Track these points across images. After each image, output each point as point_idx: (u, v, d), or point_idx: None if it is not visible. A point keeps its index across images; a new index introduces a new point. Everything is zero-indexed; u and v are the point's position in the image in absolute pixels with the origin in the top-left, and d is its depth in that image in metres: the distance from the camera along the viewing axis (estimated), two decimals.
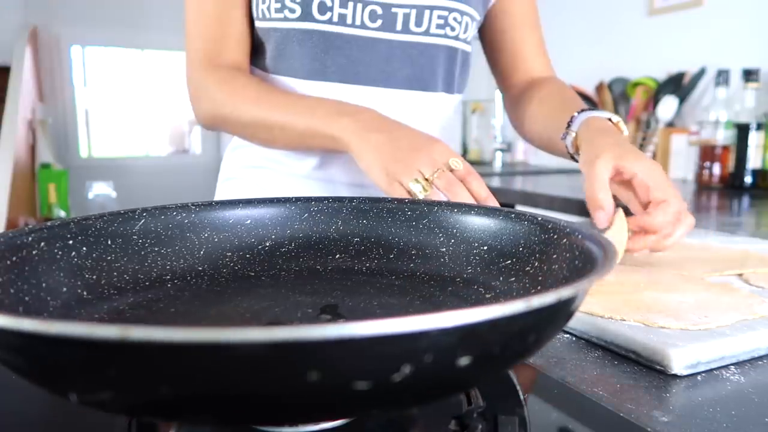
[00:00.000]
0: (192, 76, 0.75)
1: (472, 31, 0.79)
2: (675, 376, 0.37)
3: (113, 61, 4.43)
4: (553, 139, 0.72)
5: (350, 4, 0.71)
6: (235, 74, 0.73)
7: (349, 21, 0.72)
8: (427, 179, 0.57)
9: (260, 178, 0.82)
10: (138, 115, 4.61)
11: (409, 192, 0.57)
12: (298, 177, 0.80)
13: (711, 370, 0.38)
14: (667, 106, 1.73)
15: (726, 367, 0.38)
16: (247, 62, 0.77)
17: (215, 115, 0.74)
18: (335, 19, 0.71)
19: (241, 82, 0.72)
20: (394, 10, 0.73)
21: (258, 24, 0.74)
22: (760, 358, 0.40)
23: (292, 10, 0.71)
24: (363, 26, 0.72)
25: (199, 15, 0.74)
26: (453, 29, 0.75)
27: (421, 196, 0.56)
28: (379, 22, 0.73)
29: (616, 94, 1.93)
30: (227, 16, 0.73)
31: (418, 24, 0.74)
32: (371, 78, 0.74)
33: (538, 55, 0.85)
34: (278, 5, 0.71)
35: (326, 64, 0.73)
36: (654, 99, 1.79)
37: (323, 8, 0.70)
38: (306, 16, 0.71)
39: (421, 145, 0.60)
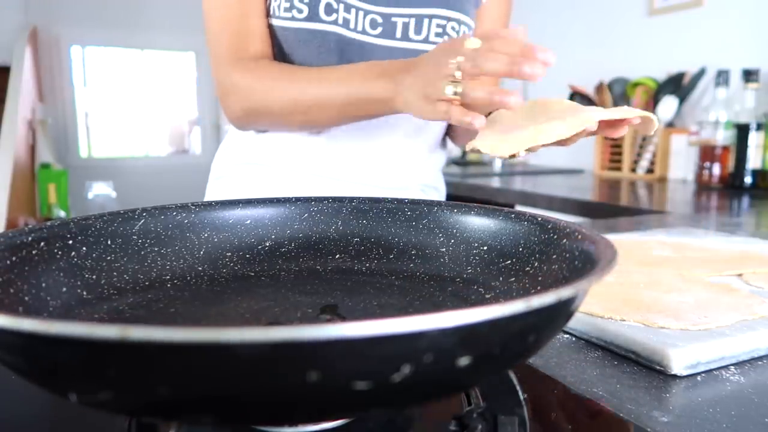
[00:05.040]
0: (219, 73, 0.74)
1: None
2: (675, 376, 0.37)
3: (113, 61, 4.43)
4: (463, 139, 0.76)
5: (353, 10, 0.72)
6: (261, 63, 0.73)
7: (351, 26, 0.73)
8: (455, 78, 0.54)
9: (252, 174, 0.82)
10: (138, 115, 4.61)
11: (449, 100, 0.54)
12: (293, 173, 0.80)
13: (711, 370, 0.38)
14: (667, 106, 1.73)
15: (726, 367, 0.38)
16: (271, 53, 0.76)
17: (247, 107, 0.73)
18: (340, 21, 0.72)
19: (268, 69, 0.72)
20: (393, 19, 0.74)
21: (269, 21, 0.74)
22: (760, 358, 0.40)
23: (300, 11, 0.72)
24: (364, 32, 0.74)
25: (220, 10, 0.73)
26: (451, 38, 0.76)
27: (459, 90, 0.53)
28: (379, 29, 0.74)
29: (616, 94, 1.93)
30: (249, 10, 0.73)
31: (418, 32, 0.75)
32: None
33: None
34: (287, 5, 0.72)
35: (329, 64, 0.73)
36: (654, 99, 1.79)
37: (329, 9, 0.72)
38: (313, 16, 0.72)
39: (437, 57, 0.57)
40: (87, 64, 4.27)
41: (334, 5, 0.72)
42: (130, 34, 4.24)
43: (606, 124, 0.53)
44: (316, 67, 0.71)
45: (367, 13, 0.73)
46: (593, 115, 0.49)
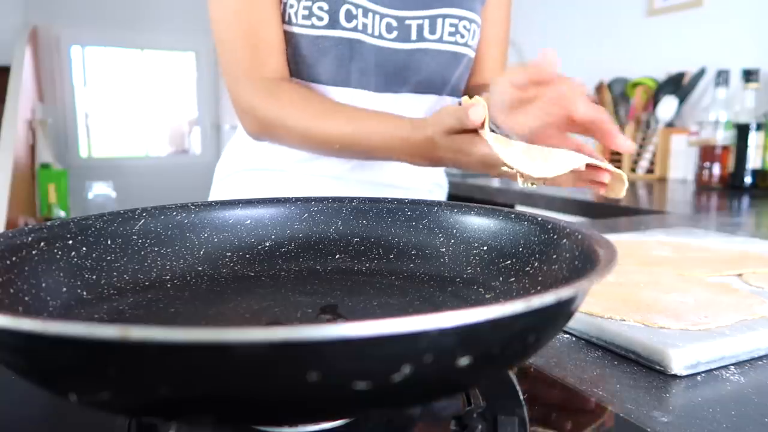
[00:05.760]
0: (238, 90, 0.71)
1: (478, 38, 0.81)
2: (675, 376, 0.37)
3: (113, 61, 4.43)
4: None
5: (370, 15, 0.72)
6: (284, 88, 0.71)
7: (369, 30, 0.73)
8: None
9: (260, 177, 0.82)
10: (138, 115, 4.61)
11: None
12: (301, 176, 0.81)
13: (711, 370, 0.38)
14: (667, 106, 1.73)
15: (726, 367, 0.38)
16: (287, 67, 0.74)
17: (269, 132, 0.72)
18: (360, 27, 0.72)
19: (293, 99, 0.70)
20: (407, 22, 0.74)
21: (284, 27, 0.72)
22: (760, 358, 0.40)
23: (320, 18, 0.70)
24: (381, 37, 0.74)
25: (232, 19, 0.70)
26: (463, 36, 0.77)
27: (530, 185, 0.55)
28: (395, 33, 0.74)
29: (616, 94, 1.93)
30: (263, 18, 0.70)
31: (432, 32, 0.75)
32: (387, 84, 0.76)
33: (496, 69, 0.86)
34: (305, 12, 0.70)
35: (350, 71, 0.74)
36: (654, 99, 1.79)
37: (349, 16, 0.71)
38: (334, 24, 0.71)
39: (481, 170, 0.59)
40: (87, 64, 4.27)
41: (354, 11, 0.71)
42: (130, 34, 4.24)
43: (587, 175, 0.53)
44: (340, 113, 0.69)
45: (383, 17, 0.73)
46: (579, 158, 0.49)
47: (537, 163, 0.49)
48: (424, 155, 0.63)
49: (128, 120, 4.60)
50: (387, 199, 0.47)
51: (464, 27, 0.77)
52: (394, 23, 0.74)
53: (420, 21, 0.75)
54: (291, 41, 0.73)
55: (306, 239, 0.46)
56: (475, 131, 0.55)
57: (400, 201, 0.47)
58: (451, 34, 0.76)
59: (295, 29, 0.72)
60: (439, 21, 0.75)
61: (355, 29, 0.72)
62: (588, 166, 0.51)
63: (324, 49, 0.72)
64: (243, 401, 0.20)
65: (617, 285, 0.51)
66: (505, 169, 0.53)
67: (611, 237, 0.73)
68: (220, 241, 0.44)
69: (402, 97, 0.77)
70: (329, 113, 0.68)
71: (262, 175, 0.82)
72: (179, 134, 4.88)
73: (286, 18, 0.72)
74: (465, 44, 0.78)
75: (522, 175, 0.53)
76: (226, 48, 0.71)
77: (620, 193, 0.52)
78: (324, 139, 0.68)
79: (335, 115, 0.68)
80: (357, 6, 0.71)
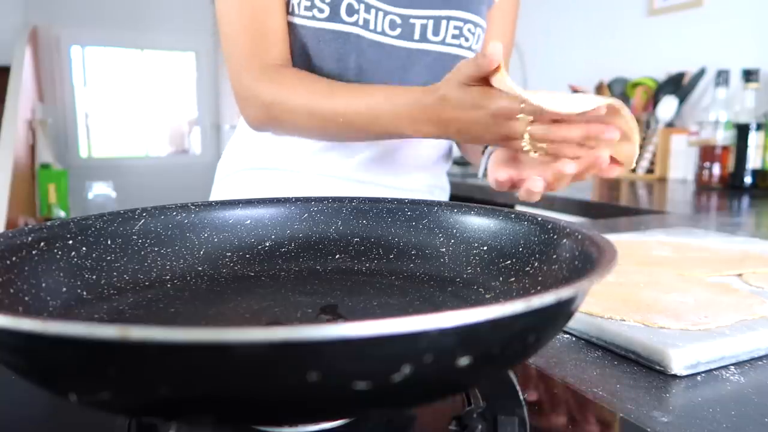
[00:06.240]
0: (240, 79, 0.71)
1: (482, 42, 0.81)
2: (675, 376, 0.37)
3: (113, 62, 4.43)
4: (474, 156, 0.78)
5: (372, 11, 0.72)
6: (285, 73, 0.70)
7: (371, 26, 0.73)
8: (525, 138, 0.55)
9: (263, 178, 0.82)
10: (138, 115, 4.61)
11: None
12: (307, 177, 0.81)
13: (711, 370, 0.38)
14: (667, 106, 1.73)
15: (726, 367, 0.38)
16: (290, 56, 0.74)
17: (272, 119, 0.71)
18: (360, 22, 0.72)
19: (294, 82, 0.69)
20: (412, 20, 0.74)
21: (287, 18, 0.73)
22: (760, 358, 0.40)
23: (321, 10, 0.71)
24: (383, 33, 0.74)
25: (238, 11, 0.70)
26: (467, 40, 0.77)
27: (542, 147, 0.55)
28: (399, 30, 0.74)
29: (616, 94, 1.93)
30: (268, 7, 0.70)
31: (436, 33, 0.75)
32: (387, 83, 0.75)
33: None
34: (308, 3, 0.71)
35: (348, 66, 0.73)
36: (654, 99, 1.79)
37: (350, 10, 0.71)
38: (334, 16, 0.71)
39: (488, 131, 0.58)
40: (87, 64, 4.27)
41: (355, 5, 0.71)
42: (130, 34, 4.24)
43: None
44: (346, 89, 0.68)
45: (386, 13, 0.73)
46: (600, 99, 0.50)
47: (558, 102, 0.49)
48: (432, 119, 0.61)
49: (128, 120, 4.60)
50: (387, 199, 0.47)
51: (469, 30, 0.76)
52: (398, 20, 0.74)
53: (424, 21, 0.74)
54: (293, 32, 0.73)
55: (306, 239, 0.46)
56: (489, 85, 0.54)
57: (400, 201, 0.47)
58: (454, 36, 0.76)
59: (297, 20, 0.72)
60: (443, 23, 0.75)
61: (355, 24, 0.72)
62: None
63: (323, 42, 0.72)
64: (243, 401, 0.20)
65: (617, 285, 0.51)
66: (518, 119, 0.53)
67: (611, 237, 0.73)
68: (220, 241, 0.44)
69: None
70: (334, 89, 0.68)
71: (263, 175, 0.82)
72: (179, 134, 4.88)
73: (290, 9, 0.72)
74: (469, 48, 0.78)
75: (532, 137, 0.54)
76: (230, 39, 0.71)
77: (630, 164, 0.53)
78: (329, 115, 0.67)
79: (340, 90, 0.67)
80: (360, 1, 0.71)
